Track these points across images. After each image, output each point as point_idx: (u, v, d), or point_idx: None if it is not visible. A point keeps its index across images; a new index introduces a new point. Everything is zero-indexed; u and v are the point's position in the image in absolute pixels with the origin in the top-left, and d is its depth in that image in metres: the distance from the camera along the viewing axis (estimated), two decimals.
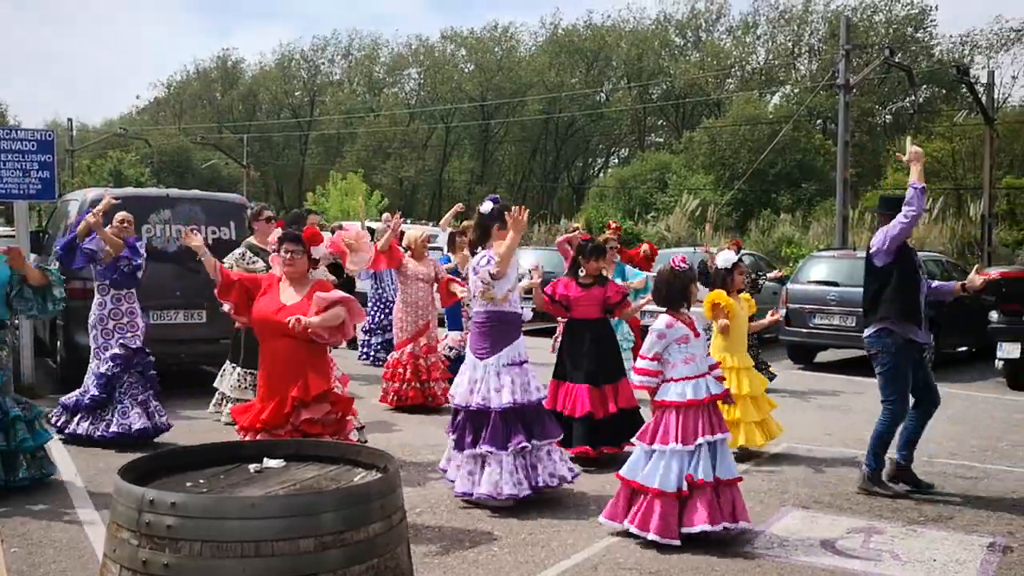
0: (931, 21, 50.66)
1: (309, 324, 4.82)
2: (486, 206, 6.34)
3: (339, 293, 5.05)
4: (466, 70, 63.59)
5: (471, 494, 6.15)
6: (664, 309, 5.93)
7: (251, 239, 8.52)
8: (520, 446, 6.10)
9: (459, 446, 6.24)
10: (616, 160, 65.10)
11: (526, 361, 6.36)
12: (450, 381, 10.41)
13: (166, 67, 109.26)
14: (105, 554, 2.46)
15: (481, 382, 6.20)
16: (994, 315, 12.44)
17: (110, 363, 7.65)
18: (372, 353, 12.83)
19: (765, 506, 6.47)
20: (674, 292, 5.87)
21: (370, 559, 2.43)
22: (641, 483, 5.57)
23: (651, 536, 5.45)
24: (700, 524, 5.42)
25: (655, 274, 6.33)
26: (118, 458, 7.30)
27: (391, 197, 47.57)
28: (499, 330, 6.25)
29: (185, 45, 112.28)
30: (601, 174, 64.23)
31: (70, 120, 37.63)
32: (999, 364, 12.41)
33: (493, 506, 6.14)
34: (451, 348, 10.52)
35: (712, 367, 5.93)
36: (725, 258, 8.02)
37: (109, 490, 6.22)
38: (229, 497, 2.51)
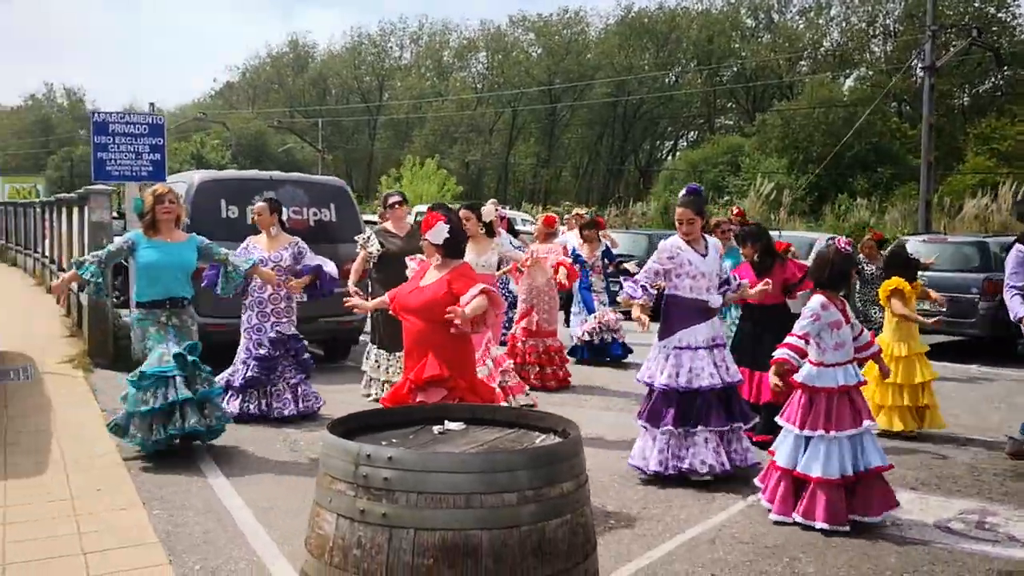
0: (1015, 1, 49.36)
1: (462, 315, 4.92)
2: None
3: (480, 284, 5.13)
4: (534, 54, 63.59)
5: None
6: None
7: (386, 224, 8.75)
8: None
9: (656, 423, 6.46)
10: (684, 143, 64.58)
11: (699, 347, 6.41)
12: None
13: (233, 52, 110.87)
14: (318, 503, 2.65)
15: (652, 361, 6.56)
16: None
17: (268, 347, 7.98)
18: None
19: None
20: (835, 274, 5.80)
21: (563, 515, 2.58)
22: (803, 472, 5.57)
23: (819, 525, 5.44)
24: (876, 514, 5.51)
25: (815, 255, 6.36)
26: (239, 430, 7.62)
27: (458, 181, 47.85)
28: (674, 314, 6.48)
29: (252, 30, 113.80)
30: (669, 157, 63.80)
31: (152, 105, 38.47)
32: None
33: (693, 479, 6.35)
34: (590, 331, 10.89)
35: (862, 348, 5.93)
36: (912, 248, 8.11)
37: (234, 458, 6.56)
38: (441, 452, 2.69)
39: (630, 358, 11.55)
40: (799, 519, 5.56)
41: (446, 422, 3.03)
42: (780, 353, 5.76)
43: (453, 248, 5.36)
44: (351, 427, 2.83)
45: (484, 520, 2.45)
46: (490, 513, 2.45)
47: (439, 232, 5.33)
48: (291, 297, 8.16)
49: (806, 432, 5.62)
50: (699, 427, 6.32)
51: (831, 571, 4.91)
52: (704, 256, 6.47)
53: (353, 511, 2.50)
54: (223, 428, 7.00)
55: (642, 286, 6.56)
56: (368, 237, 8.69)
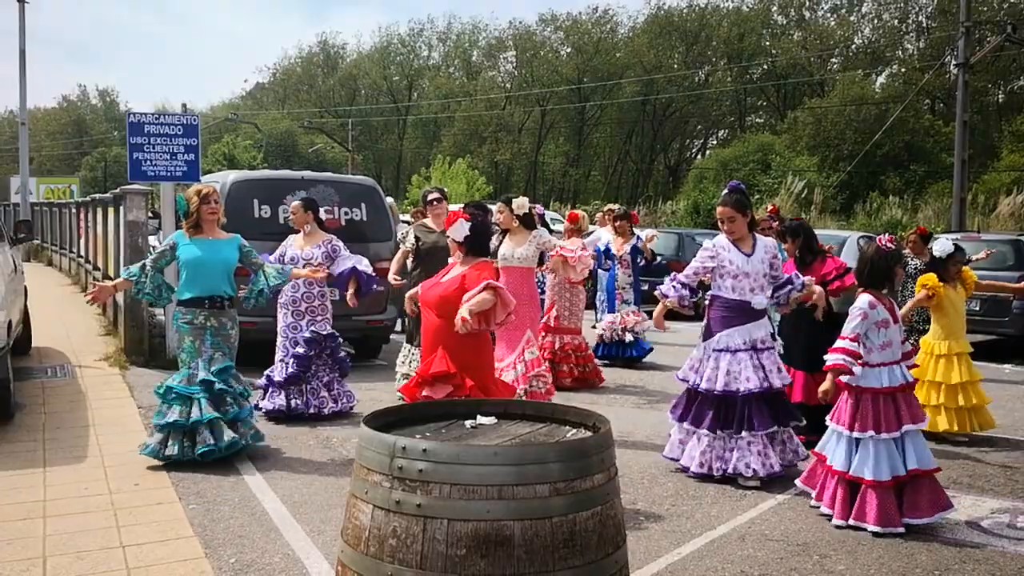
0: None
1: (469, 309, 4.99)
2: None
3: (487, 280, 5.15)
4: (563, 53, 63.58)
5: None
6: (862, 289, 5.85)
7: (425, 220, 8.79)
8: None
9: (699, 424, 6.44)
10: (715, 141, 64.30)
11: (738, 350, 6.33)
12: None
13: (263, 53, 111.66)
14: (354, 495, 2.70)
15: (695, 361, 6.56)
16: None
17: (304, 347, 8.07)
18: None
19: None
20: (878, 272, 5.74)
21: (594, 507, 2.63)
22: (855, 475, 5.55)
23: (872, 528, 5.41)
24: (927, 515, 5.45)
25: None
26: (272, 428, 7.73)
27: (487, 181, 47.95)
28: (716, 314, 6.47)
29: (282, 31, 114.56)
30: (699, 156, 63.55)
31: (184, 106, 38.85)
32: None
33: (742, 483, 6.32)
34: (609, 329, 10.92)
35: (906, 355, 5.85)
36: (942, 247, 7.98)
37: (268, 455, 6.63)
38: (474, 445, 2.74)
39: (651, 357, 11.53)
40: (852, 522, 5.52)
41: (478, 416, 3.08)
42: (834, 358, 5.59)
43: (474, 245, 5.41)
44: (386, 421, 2.88)
45: (516, 511, 2.49)
46: (522, 505, 2.50)
47: (459, 229, 5.40)
48: (325, 295, 8.23)
49: (856, 434, 5.57)
50: (743, 431, 6.24)
51: (861, 569, 4.91)
52: (749, 256, 6.35)
53: (389, 502, 2.56)
54: (254, 445, 6.97)
55: (673, 285, 6.56)
56: (406, 233, 8.80)
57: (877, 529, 5.40)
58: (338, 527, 5.32)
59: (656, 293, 6.75)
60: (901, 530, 5.40)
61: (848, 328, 5.65)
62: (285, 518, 5.53)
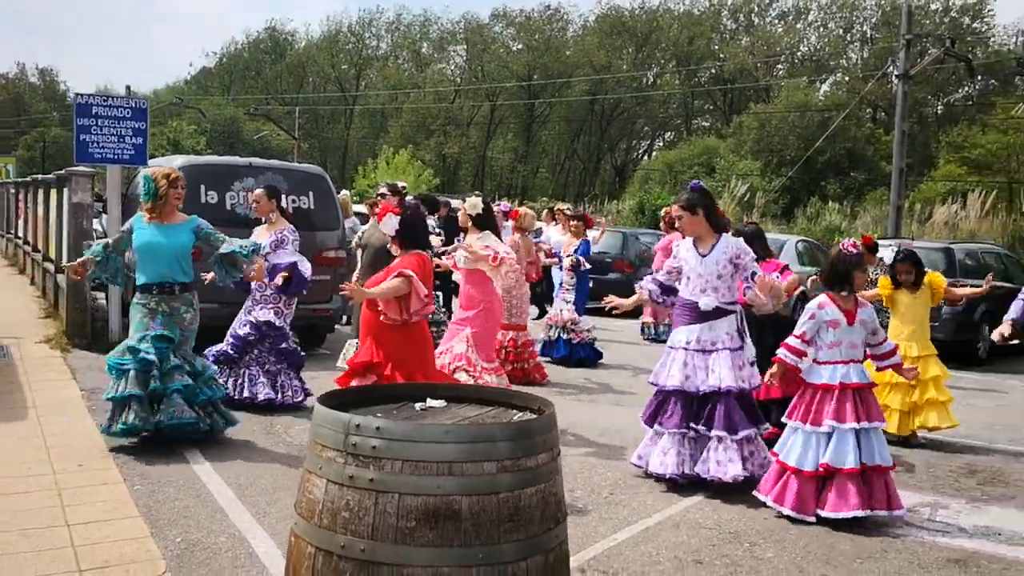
0: (989, 11, 50.10)
1: (359, 292, 5.23)
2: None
3: (405, 271, 5.29)
4: (514, 49, 63.73)
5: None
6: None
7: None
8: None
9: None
10: (661, 143, 64.99)
11: (680, 348, 6.33)
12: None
13: (209, 36, 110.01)
14: (308, 470, 2.82)
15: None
16: None
17: (247, 329, 7.98)
18: None
19: None
20: (836, 275, 5.95)
21: (537, 484, 2.77)
22: (782, 460, 5.84)
23: (786, 511, 5.68)
24: (842, 510, 5.59)
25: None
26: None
27: (434, 173, 47.95)
28: (675, 314, 6.52)
29: (229, 14, 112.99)
30: (646, 157, 64.19)
31: (128, 88, 38.26)
32: None
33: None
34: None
35: (882, 356, 6.10)
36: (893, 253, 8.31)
37: (213, 440, 6.65)
38: (426, 423, 2.88)
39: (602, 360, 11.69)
40: (769, 502, 5.79)
41: (428, 399, 3.21)
42: (780, 352, 5.93)
43: (406, 238, 5.57)
44: (340, 401, 3.00)
45: (465, 487, 2.63)
46: (471, 480, 2.64)
47: (388, 223, 5.58)
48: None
49: (794, 424, 5.85)
50: (710, 432, 6.17)
51: (788, 556, 5.13)
52: (704, 256, 6.29)
53: (342, 477, 2.68)
54: (214, 431, 6.85)
55: (650, 279, 6.75)
56: (362, 232, 8.82)
57: (790, 513, 5.66)
58: (283, 510, 5.42)
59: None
60: (812, 519, 5.62)
61: (798, 326, 5.96)
62: (230, 500, 5.60)
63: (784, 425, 6.84)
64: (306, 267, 8.06)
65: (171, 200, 6.67)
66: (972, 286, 9.73)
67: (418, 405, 3.17)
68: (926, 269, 8.45)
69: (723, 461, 6.10)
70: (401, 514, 2.61)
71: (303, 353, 8.35)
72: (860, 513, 5.59)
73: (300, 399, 8.16)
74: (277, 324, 8.04)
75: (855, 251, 6.06)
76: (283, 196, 10.60)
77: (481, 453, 2.67)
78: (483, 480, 2.66)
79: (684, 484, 6.24)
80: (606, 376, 10.73)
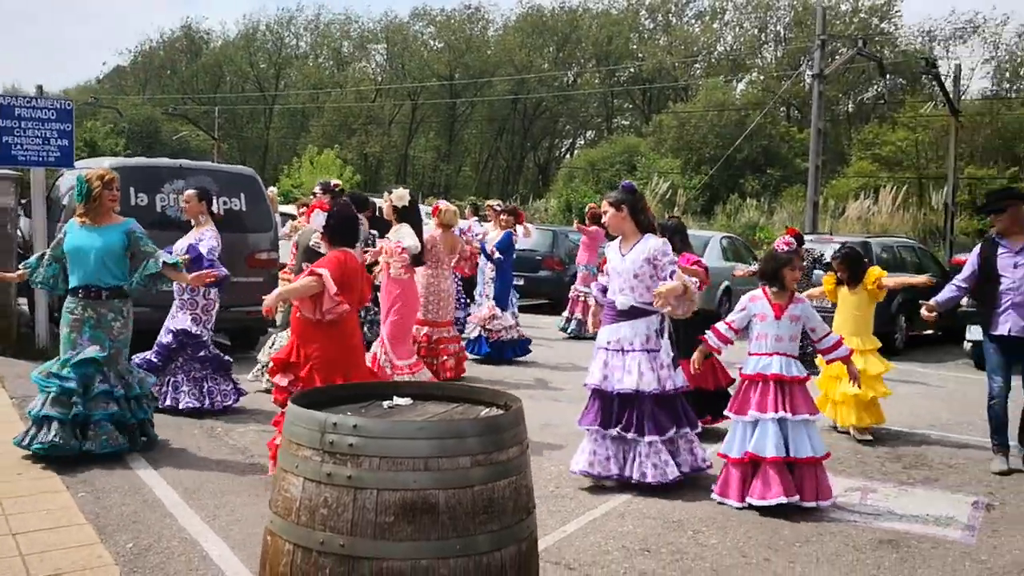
0: (896, 12, 51.75)
1: (271, 297, 5.42)
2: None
3: (320, 269, 5.38)
4: (435, 47, 63.61)
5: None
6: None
7: None
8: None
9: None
10: (583, 142, 65.58)
11: (600, 347, 6.36)
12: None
13: (124, 34, 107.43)
14: (284, 469, 2.87)
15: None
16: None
17: (169, 337, 7.87)
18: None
19: None
20: (766, 271, 6.27)
21: (509, 477, 2.88)
22: (722, 452, 6.18)
23: (714, 496, 6.02)
24: (767, 498, 5.80)
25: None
26: (157, 418, 7.63)
27: (355, 172, 47.66)
28: (603, 313, 6.49)
29: (144, 11, 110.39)
30: (568, 155, 64.68)
31: (40, 87, 37.12)
32: (967, 346, 13.06)
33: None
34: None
35: (826, 349, 6.31)
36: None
37: (154, 444, 6.58)
38: (401, 420, 2.96)
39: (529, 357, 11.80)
40: (716, 496, 6.01)
41: (395, 397, 3.28)
42: (705, 333, 6.27)
43: (334, 235, 5.64)
44: (311, 400, 3.05)
45: (440, 481, 2.71)
46: (446, 475, 2.72)
47: (316, 219, 5.69)
48: (195, 290, 7.82)
49: (743, 416, 6.08)
50: (637, 435, 6.16)
51: (731, 541, 5.33)
52: (624, 255, 6.29)
53: (320, 474, 2.74)
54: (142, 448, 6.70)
55: (596, 284, 6.81)
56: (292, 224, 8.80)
57: (715, 496, 6.01)
58: (233, 512, 5.42)
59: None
60: (735, 504, 5.88)
61: (731, 315, 6.30)
62: (178, 504, 5.57)
63: (714, 415, 7.19)
64: (210, 265, 7.74)
65: (105, 202, 6.50)
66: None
67: (385, 403, 3.24)
68: (872, 266, 8.77)
69: (659, 464, 6.14)
70: (380, 509, 2.68)
71: (228, 358, 8.23)
72: (783, 500, 5.78)
73: (231, 402, 8.10)
74: (194, 331, 7.90)
75: (787, 249, 6.32)
76: (215, 198, 10.58)
77: (456, 448, 2.76)
78: (457, 474, 2.75)
79: (612, 486, 6.28)
80: (539, 373, 10.88)
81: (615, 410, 6.23)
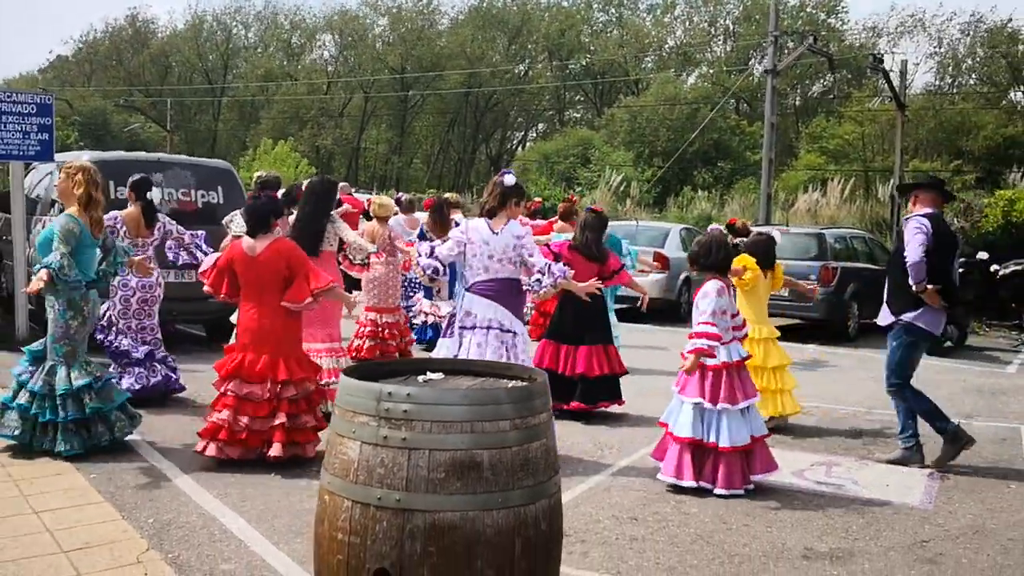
0: (843, 7, 52.91)
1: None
2: (509, 179, 6.48)
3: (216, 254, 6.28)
4: (387, 40, 63.53)
5: None
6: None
7: None
8: None
9: None
10: (535, 134, 66.01)
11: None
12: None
13: (66, 22, 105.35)
14: (339, 434, 3.20)
15: None
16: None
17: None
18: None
19: None
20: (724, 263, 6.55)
21: (540, 439, 3.24)
22: (712, 441, 6.17)
23: (718, 491, 6.04)
24: (758, 472, 6.20)
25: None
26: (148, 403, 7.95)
27: (308, 164, 47.56)
28: None
29: (84, 1, 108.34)
30: (520, 148, 65.07)
31: None
32: None
33: None
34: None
35: (737, 328, 6.55)
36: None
37: (154, 425, 6.81)
38: (448, 389, 3.31)
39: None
40: (700, 484, 6.11)
41: (428, 372, 3.63)
42: (699, 343, 6.05)
43: (254, 225, 6.37)
44: (360, 374, 3.38)
45: (483, 442, 3.07)
46: (488, 437, 3.08)
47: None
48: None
49: (707, 404, 6.13)
50: None
51: (712, 509, 5.76)
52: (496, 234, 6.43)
53: (376, 438, 3.08)
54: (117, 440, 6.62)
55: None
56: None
57: (723, 492, 6.04)
58: (243, 490, 5.71)
59: None
60: (741, 491, 6.10)
61: (707, 312, 6.17)
62: (189, 483, 5.84)
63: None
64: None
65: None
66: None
67: (420, 378, 3.58)
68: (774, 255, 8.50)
69: None
70: (431, 467, 3.03)
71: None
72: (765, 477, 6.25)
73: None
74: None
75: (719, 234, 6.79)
76: (192, 191, 10.80)
77: (495, 413, 3.11)
78: (498, 436, 3.10)
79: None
80: None
81: None
